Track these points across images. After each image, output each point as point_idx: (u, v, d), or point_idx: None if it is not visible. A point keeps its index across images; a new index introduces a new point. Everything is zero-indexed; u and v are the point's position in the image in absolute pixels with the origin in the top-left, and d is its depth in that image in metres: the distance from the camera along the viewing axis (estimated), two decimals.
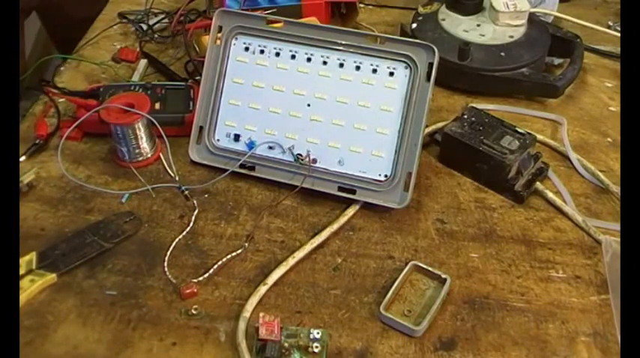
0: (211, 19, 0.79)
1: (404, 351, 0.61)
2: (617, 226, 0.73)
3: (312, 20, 0.91)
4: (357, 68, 0.76)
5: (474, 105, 0.84)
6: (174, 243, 0.70)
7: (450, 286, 0.66)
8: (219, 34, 0.79)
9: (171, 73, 0.94)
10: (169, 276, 0.66)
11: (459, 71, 0.90)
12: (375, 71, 0.76)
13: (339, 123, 0.76)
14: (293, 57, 0.78)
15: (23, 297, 0.62)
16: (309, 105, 0.77)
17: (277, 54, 0.78)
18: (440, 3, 0.98)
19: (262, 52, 0.78)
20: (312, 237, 0.71)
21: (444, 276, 0.66)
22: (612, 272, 0.68)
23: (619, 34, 1.00)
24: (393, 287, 0.65)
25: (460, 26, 0.94)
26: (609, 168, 0.81)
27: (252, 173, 0.78)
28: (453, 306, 0.65)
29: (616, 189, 0.77)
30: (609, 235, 0.72)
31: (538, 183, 0.77)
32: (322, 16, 0.96)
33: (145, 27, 1.02)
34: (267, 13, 0.87)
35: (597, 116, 0.90)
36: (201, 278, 0.66)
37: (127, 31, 1.04)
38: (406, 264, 0.68)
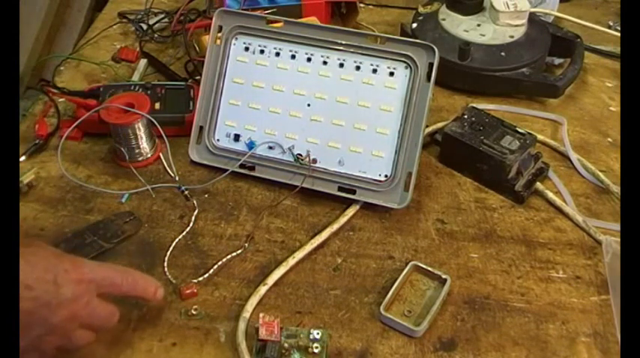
0: (211, 18, 0.79)
1: (404, 352, 0.61)
2: (617, 226, 0.73)
3: (312, 20, 0.91)
4: (357, 68, 0.76)
5: (474, 105, 0.83)
6: (174, 243, 0.70)
7: (450, 286, 0.66)
8: (219, 34, 0.79)
9: (172, 72, 0.94)
10: (169, 276, 0.66)
11: (459, 71, 0.90)
12: (375, 71, 0.76)
13: (339, 123, 0.76)
14: (293, 57, 0.78)
15: None
16: (309, 105, 0.77)
17: (277, 54, 0.78)
18: (440, 3, 0.98)
19: (262, 52, 0.78)
20: (312, 237, 0.71)
21: (444, 277, 0.66)
22: (612, 273, 0.68)
23: (619, 34, 1.00)
24: (393, 288, 0.65)
25: (460, 26, 0.94)
26: (609, 168, 0.81)
27: (252, 173, 0.78)
28: (453, 307, 0.65)
29: (616, 189, 0.77)
30: (609, 235, 0.72)
31: (538, 183, 0.77)
32: (322, 15, 0.96)
33: (145, 27, 1.02)
34: (267, 13, 0.87)
35: (597, 116, 0.90)
36: (201, 279, 0.66)
37: (127, 30, 1.04)
38: (406, 264, 0.68)
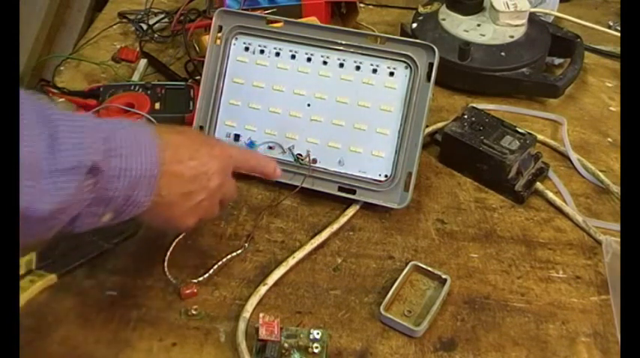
0: (211, 18, 0.79)
1: (404, 352, 0.61)
2: (617, 226, 0.73)
3: (312, 20, 0.91)
4: (357, 68, 0.76)
5: (474, 105, 0.83)
6: (174, 243, 0.70)
7: (450, 286, 0.66)
8: (219, 34, 0.79)
9: (172, 72, 0.94)
10: (169, 276, 0.66)
11: (459, 71, 0.90)
12: (375, 71, 0.76)
13: (339, 123, 0.76)
14: (293, 57, 0.78)
15: (23, 298, 0.62)
16: (309, 105, 0.77)
17: (277, 54, 0.78)
18: (440, 3, 0.98)
19: (262, 52, 0.78)
20: (312, 237, 0.71)
21: (444, 276, 0.66)
22: (612, 273, 0.68)
23: (619, 34, 1.00)
24: (393, 288, 0.65)
25: (460, 26, 0.94)
26: (609, 168, 0.81)
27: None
28: (453, 307, 0.65)
29: (616, 189, 0.77)
30: (609, 235, 0.72)
31: (538, 183, 0.77)
32: (322, 15, 0.96)
33: (145, 27, 1.02)
34: (267, 13, 0.87)
35: (597, 116, 0.90)
36: (201, 279, 0.66)
37: (127, 30, 1.04)
38: (406, 264, 0.68)
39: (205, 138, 0.70)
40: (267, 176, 0.70)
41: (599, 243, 0.72)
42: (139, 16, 1.05)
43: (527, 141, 0.77)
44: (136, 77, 0.93)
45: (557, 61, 0.98)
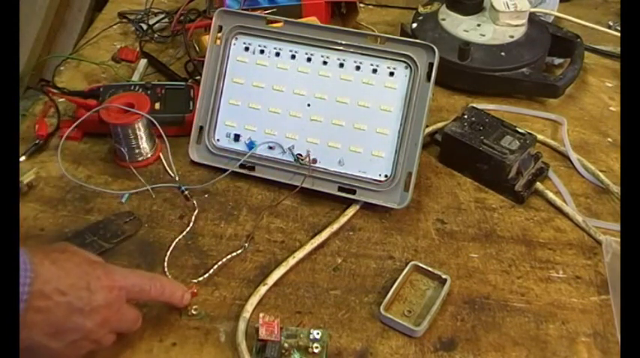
0: (211, 18, 0.79)
1: (404, 352, 0.61)
2: (617, 226, 0.73)
3: (312, 20, 0.91)
4: (357, 68, 0.76)
5: (474, 105, 0.83)
6: (174, 243, 0.70)
7: (450, 286, 0.66)
8: (219, 34, 0.79)
9: (172, 72, 0.94)
10: (169, 276, 0.66)
11: (459, 71, 0.90)
12: (375, 71, 0.76)
13: (339, 123, 0.76)
14: (293, 57, 0.78)
15: None
16: (309, 105, 0.77)
17: (277, 54, 0.78)
18: (440, 3, 0.98)
19: (262, 52, 0.78)
20: (312, 237, 0.71)
21: (444, 276, 0.66)
22: (612, 273, 0.68)
23: (619, 34, 1.00)
24: (393, 288, 0.65)
25: (460, 26, 0.94)
26: (609, 168, 0.81)
27: (252, 173, 0.78)
28: (453, 307, 0.65)
29: (616, 189, 0.77)
30: (609, 235, 0.72)
31: (538, 183, 0.77)
32: (322, 15, 0.96)
33: (145, 27, 1.02)
34: (267, 13, 0.87)
35: (597, 116, 0.90)
36: (201, 279, 0.66)
37: (127, 30, 1.04)
38: (406, 264, 0.68)
39: (91, 266, 0.55)
40: (175, 305, 0.63)
41: (599, 243, 0.72)
42: (139, 16, 1.05)
43: (527, 141, 0.77)
44: (136, 77, 0.93)
45: (557, 61, 0.98)
